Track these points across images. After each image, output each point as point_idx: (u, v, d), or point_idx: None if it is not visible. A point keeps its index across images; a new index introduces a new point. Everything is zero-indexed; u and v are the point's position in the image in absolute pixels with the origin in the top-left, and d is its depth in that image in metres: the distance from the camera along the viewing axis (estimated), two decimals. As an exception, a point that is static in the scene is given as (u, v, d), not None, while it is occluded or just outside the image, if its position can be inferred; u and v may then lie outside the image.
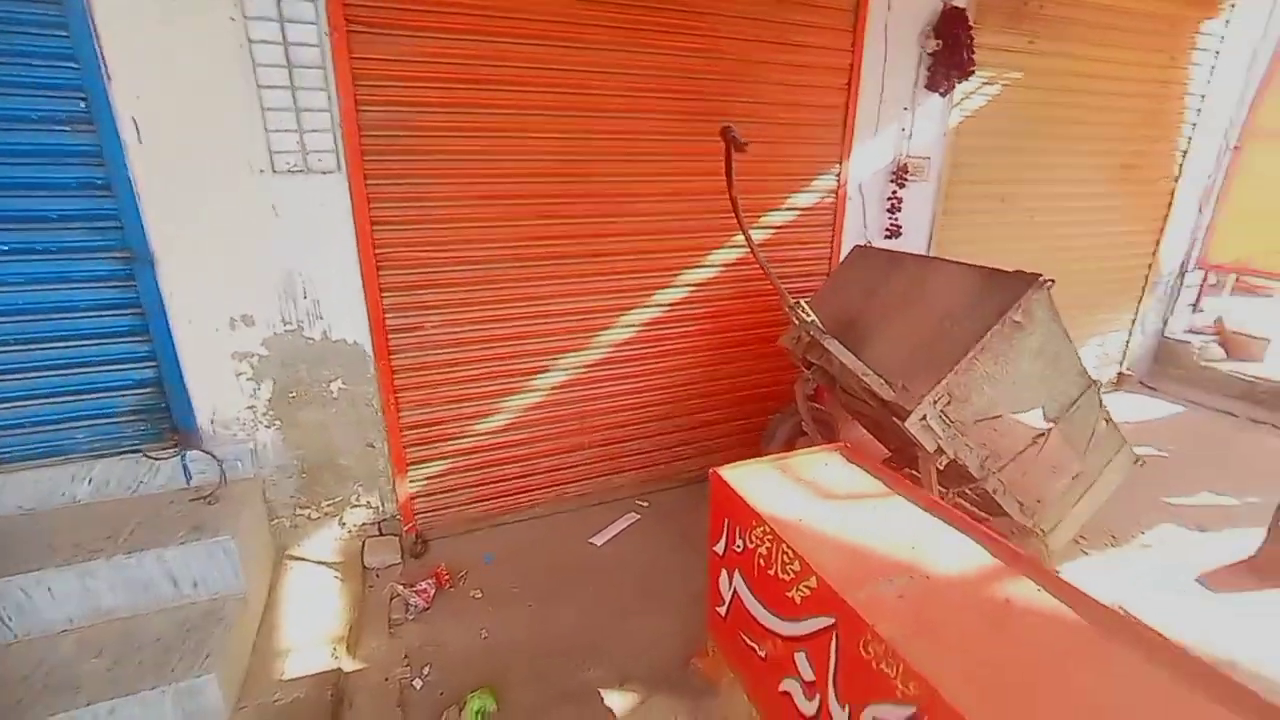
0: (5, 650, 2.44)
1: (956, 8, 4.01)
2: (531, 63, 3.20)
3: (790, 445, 4.09)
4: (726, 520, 2.29)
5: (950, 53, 4.02)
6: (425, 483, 3.62)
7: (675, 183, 3.70)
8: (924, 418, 2.63)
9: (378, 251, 3.14)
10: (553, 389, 3.75)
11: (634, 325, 3.86)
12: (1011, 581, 1.78)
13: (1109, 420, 3.11)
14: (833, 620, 1.73)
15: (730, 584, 2.32)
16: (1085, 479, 3.19)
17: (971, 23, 4.01)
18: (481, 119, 3.19)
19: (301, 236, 2.99)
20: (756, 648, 2.18)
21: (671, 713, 2.59)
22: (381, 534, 3.59)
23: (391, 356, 3.31)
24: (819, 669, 1.82)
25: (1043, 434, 2.95)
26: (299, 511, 3.38)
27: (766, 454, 4.05)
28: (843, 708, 1.74)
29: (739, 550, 2.22)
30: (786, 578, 1.93)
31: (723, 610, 2.42)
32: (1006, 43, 4.36)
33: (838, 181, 4.08)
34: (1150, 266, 5.80)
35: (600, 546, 3.68)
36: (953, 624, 1.62)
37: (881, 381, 2.77)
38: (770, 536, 2.00)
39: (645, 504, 4.09)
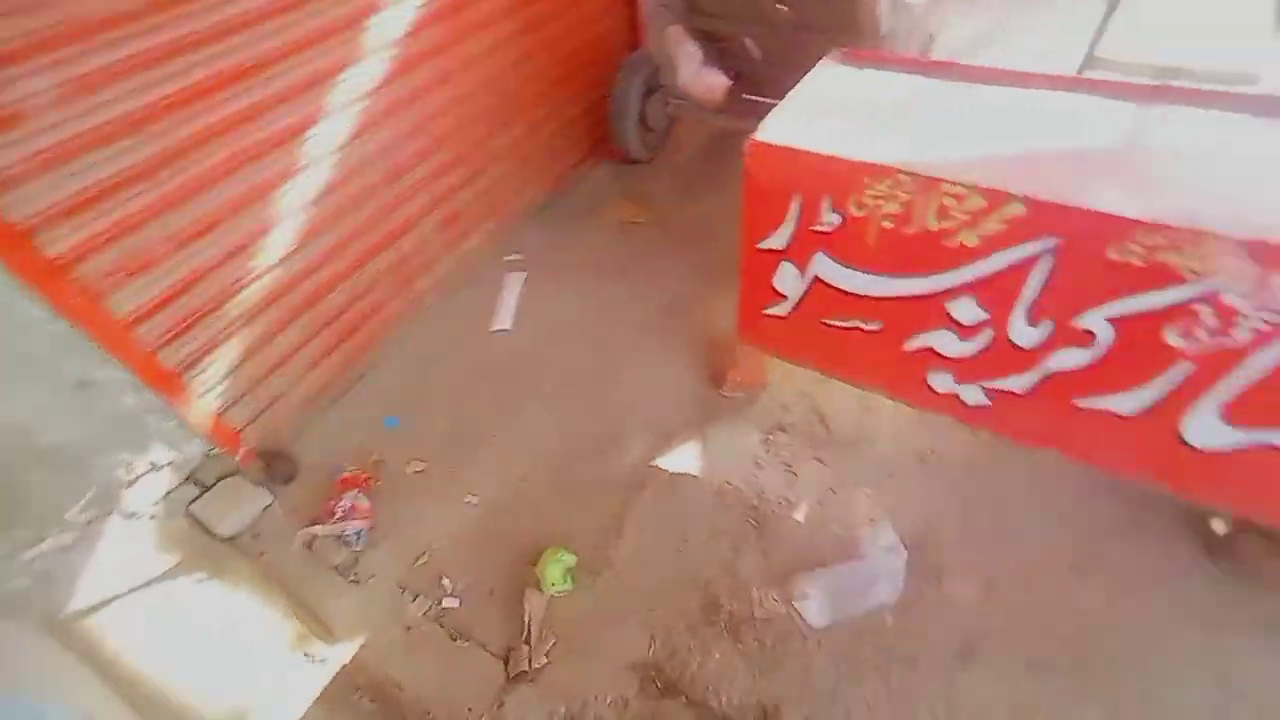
0: None
1: None
2: None
3: (644, 107, 3.30)
4: (796, 198, 1.67)
5: None
6: (226, 382, 2.18)
7: None
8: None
9: None
10: (330, 154, 2.25)
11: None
12: None
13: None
14: (1052, 243, 1.40)
15: (804, 273, 1.84)
16: None
17: None
18: None
19: None
20: (863, 324, 1.86)
21: (740, 444, 2.32)
22: (208, 487, 2.23)
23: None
24: (1004, 301, 1.56)
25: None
26: (31, 554, 1.84)
27: (625, 130, 3.27)
28: (1036, 325, 1.56)
29: (828, 228, 1.68)
30: (949, 224, 1.49)
31: (784, 309, 1.98)
32: None
33: None
34: None
35: (512, 330, 2.83)
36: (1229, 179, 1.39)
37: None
38: (915, 186, 1.47)
39: (518, 255, 3.16)
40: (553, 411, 2.51)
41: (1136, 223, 1.27)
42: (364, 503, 2.20)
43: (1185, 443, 1.57)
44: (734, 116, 3.13)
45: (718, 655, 1.84)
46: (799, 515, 2.11)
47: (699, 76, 3.56)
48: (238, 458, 2.25)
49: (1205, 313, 1.33)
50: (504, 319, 2.84)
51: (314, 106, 2.09)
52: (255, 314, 2.18)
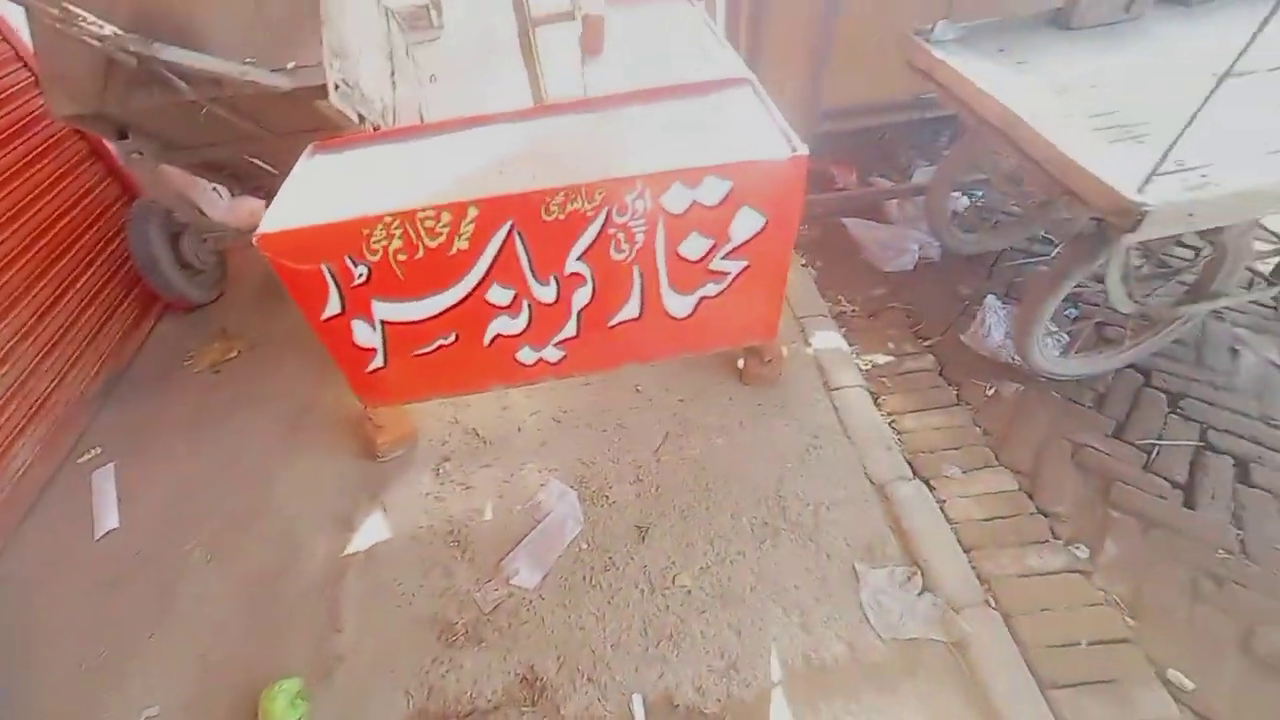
0: None
1: None
2: None
3: (178, 252, 3.17)
4: (326, 267, 1.92)
5: None
6: None
7: None
8: (338, 86, 2.47)
9: None
10: None
11: None
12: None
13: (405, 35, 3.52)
14: (510, 224, 1.91)
15: (374, 322, 2.10)
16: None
17: None
18: None
19: None
20: (443, 341, 2.20)
21: (416, 489, 2.48)
22: None
23: None
24: (515, 276, 2.06)
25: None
26: None
27: (165, 280, 3.11)
28: (547, 282, 2.11)
29: (363, 280, 1.97)
30: (442, 240, 1.91)
31: (379, 360, 2.22)
32: None
33: None
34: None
35: (122, 525, 2.46)
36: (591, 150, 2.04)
37: (266, 72, 2.34)
38: (399, 222, 1.85)
39: (97, 449, 2.72)
40: (214, 569, 2.30)
41: (542, 191, 1.86)
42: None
43: (673, 317, 2.30)
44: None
45: (468, 664, 1.98)
46: (488, 515, 2.37)
47: (235, 207, 3.59)
48: None
49: (617, 231, 1.99)
50: (108, 519, 2.46)
51: None
52: None
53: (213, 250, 3.34)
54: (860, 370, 2.78)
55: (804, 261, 3.35)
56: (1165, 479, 2.33)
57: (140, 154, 2.62)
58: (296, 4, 2.33)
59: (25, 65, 2.77)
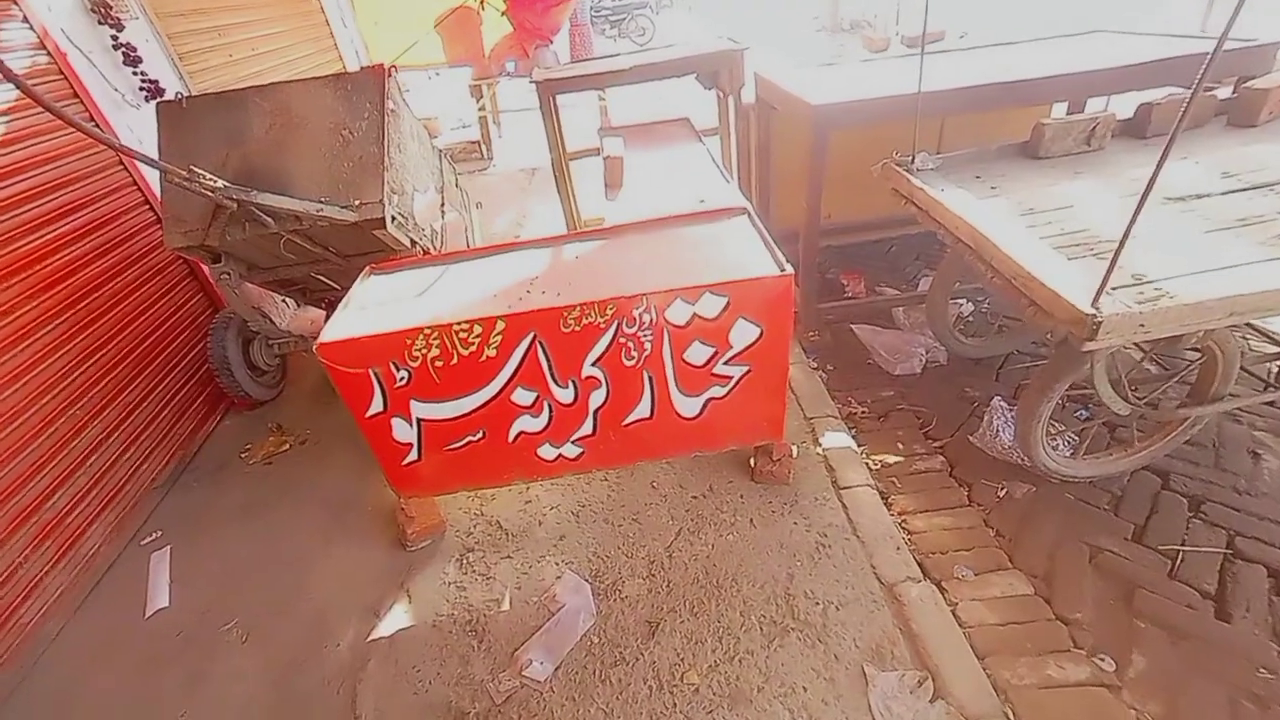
0: None
1: None
2: None
3: (248, 355, 3.58)
4: (373, 371, 2.20)
5: None
6: None
7: None
8: (394, 218, 2.90)
9: None
10: None
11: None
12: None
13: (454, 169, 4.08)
14: (532, 335, 2.18)
15: (412, 420, 2.34)
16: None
17: None
18: None
19: None
20: (472, 438, 2.42)
21: (440, 579, 2.61)
22: None
23: None
24: (538, 380, 2.30)
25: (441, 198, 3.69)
26: None
27: (234, 382, 3.48)
28: (566, 385, 2.34)
29: (404, 383, 2.24)
30: (474, 349, 2.18)
31: (414, 454, 2.45)
32: None
33: (34, 32, 2.94)
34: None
35: (172, 605, 2.64)
36: (596, 272, 2.34)
37: (337, 208, 2.79)
38: (437, 333, 2.13)
39: (157, 533, 2.97)
40: (248, 650, 2.43)
41: (561, 307, 2.13)
42: None
43: (683, 417, 2.48)
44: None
45: (475, 758, 2.01)
46: (505, 606, 2.46)
47: (299, 316, 4.05)
48: None
49: (627, 340, 2.23)
50: (159, 598, 2.65)
51: None
52: None
53: (276, 354, 3.75)
54: (869, 470, 2.85)
55: (814, 365, 3.52)
56: (1193, 588, 2.27)
57: (228, 275, 3.07)
58: (360, 159, 2.81)
59: (150, 207, 3.36)
